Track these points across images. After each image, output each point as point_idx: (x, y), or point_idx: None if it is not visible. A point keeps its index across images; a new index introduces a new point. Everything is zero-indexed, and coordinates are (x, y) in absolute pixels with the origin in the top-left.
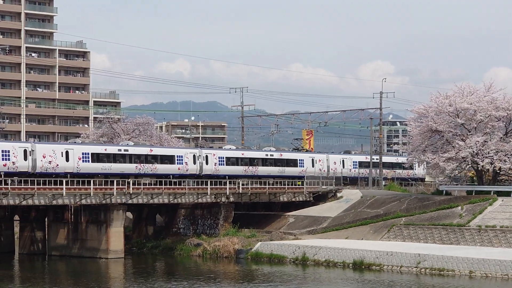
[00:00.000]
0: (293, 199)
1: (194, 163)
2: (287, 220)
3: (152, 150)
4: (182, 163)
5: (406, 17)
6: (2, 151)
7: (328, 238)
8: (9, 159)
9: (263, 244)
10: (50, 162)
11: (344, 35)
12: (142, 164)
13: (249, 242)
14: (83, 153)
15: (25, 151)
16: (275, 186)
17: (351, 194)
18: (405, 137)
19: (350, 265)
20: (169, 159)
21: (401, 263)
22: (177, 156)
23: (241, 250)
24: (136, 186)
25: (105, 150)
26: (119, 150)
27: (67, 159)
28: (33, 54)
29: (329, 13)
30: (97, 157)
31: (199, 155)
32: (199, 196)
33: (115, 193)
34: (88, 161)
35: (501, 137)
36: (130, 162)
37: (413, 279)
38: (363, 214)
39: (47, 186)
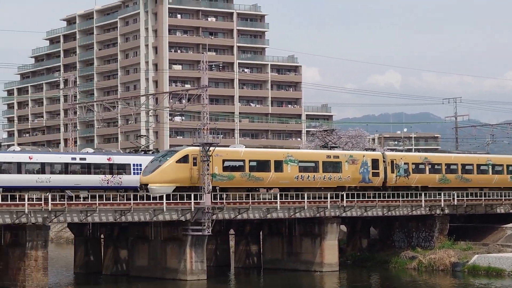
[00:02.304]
0: (511, 211)
1: None
2: (504, 232)
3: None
4: None
5: None
6: None
7: None
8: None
9: (480, 257)
10: None
11: None
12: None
13: (465, 254)
14: None
15: None
16: (491, 198)
17: None
18: None
19: None
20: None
21: None
22: None
23: (457, 263)
24: (350, 199)
25: None
26: None
27: None
28: (245, 70)
29: None
30: None
31: None
32: (413, 209)
33: (329, 206)
34: None
35: None
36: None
37: None
38: None
39: (261, 200)
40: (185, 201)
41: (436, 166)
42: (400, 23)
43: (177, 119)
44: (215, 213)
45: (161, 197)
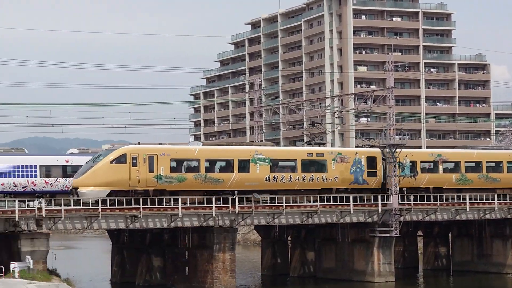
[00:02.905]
0: None
1: None
2: None
3: None
4: None
5: None
6: None
7: None
8: None
9: None
10: None
11: None
12: None
13: None
14: None
15: None
16: None
17: None
18: None
19: None
20: None
21: None
22: None
23: None
24: None
25: None
26: None
27: None
28: (431, 70)
29: None
30: None
31: None
32: None
33: None
34: None
35: None
36: None
37: None
38: None
39: (449, 202)
40: (372, 202)
41: (453, 165)
42: None
43: (363, 120)
44: (402, 214)
45: (347, 199)
